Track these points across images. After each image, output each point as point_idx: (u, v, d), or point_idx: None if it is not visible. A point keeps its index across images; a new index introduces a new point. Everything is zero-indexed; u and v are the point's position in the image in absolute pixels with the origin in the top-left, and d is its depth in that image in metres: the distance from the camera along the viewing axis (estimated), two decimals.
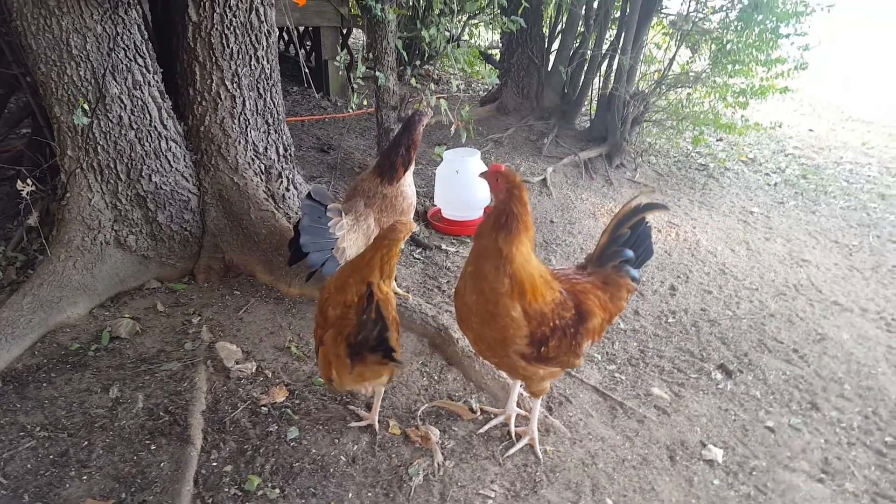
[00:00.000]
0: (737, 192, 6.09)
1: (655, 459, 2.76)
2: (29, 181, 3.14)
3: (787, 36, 5.61)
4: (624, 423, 2.95)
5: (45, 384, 2.82)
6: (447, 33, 4.30)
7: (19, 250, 3.59)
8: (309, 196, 2.81)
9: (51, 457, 2.46)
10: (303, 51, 7.79)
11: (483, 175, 2.38)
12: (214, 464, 2.48)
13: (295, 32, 7.97)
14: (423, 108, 3.23)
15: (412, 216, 3.31)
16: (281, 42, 8.16)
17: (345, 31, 7.39)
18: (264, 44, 3.47)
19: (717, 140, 7.46)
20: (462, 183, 4.27)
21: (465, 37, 9.34)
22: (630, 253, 2.56)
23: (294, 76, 7.35)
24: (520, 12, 4.46)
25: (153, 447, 2.53)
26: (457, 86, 5.57)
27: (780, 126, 6.37)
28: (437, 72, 8.90)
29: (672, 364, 3.43)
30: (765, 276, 4.50)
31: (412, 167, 3.22)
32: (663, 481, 2.65)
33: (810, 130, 8.64)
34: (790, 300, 4.20)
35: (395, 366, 2.40)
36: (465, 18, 8.28)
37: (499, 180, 2.28)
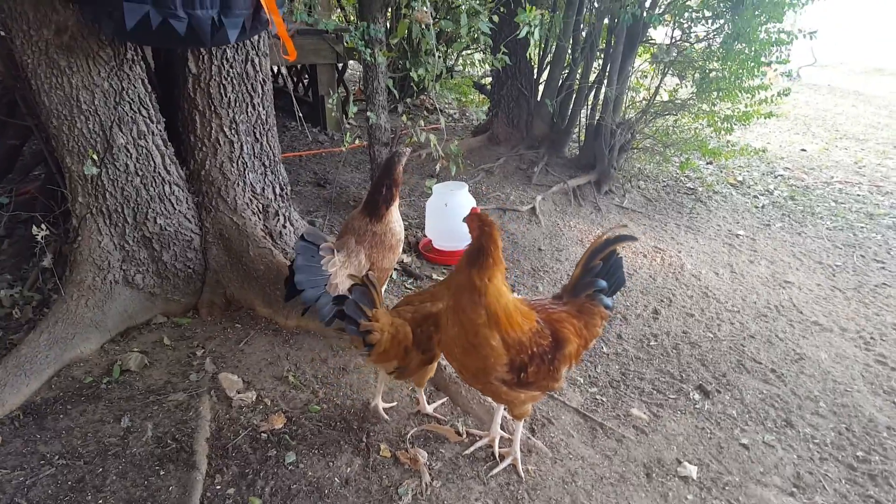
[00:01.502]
0: (724, 216, 6.25)
1: (632, 476, 2.89)
2: (43, 226, 3.36)
3: (769, 63, 5.83)
4: (603, 443, 3.10)
5: (61, 416, 3.01)
6: (439, 68, 4.53)
7: (35, 290, 3.80)
8: (303, 238, 3.02)
9: (69, 483, 2.64)
10: (300, 86, 8.09)
11: (465, 219, 2.56)
12: (218, 487, 2.66)
13: (290, 72, 8.30)
14: (401, 149, 3.44)
15: (400, 250, 3.52)
16: (280, 78, 8.44)
17: (340, 67, 7.68)
18: (259, 92, 3.71)
19: (707, 163, 7.63)
20: (451, 214, 4.47)
21: (459, 67, 9.68)
22: (603, 283, 2.73)
23: (293, 112, 7.62)
24: (500, 54, 4.69)
25: (162, 473, 2.71)
26: (449, 115, 5.77)
27: (764, 152, 6.55)
28: (431, 101, 9.18)
29: (652, 386, 3.57)
30: (747, 298, 4.64)
31: (396, 203, 3.43)
32: (639, 497, 2.78)
33: (802, 150, 8.76)
34: (771, 321, 4.33)
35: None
36: (459, 50, 8.59)
37: (474, 221, 2.48)
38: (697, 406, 3.43)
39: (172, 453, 2.81)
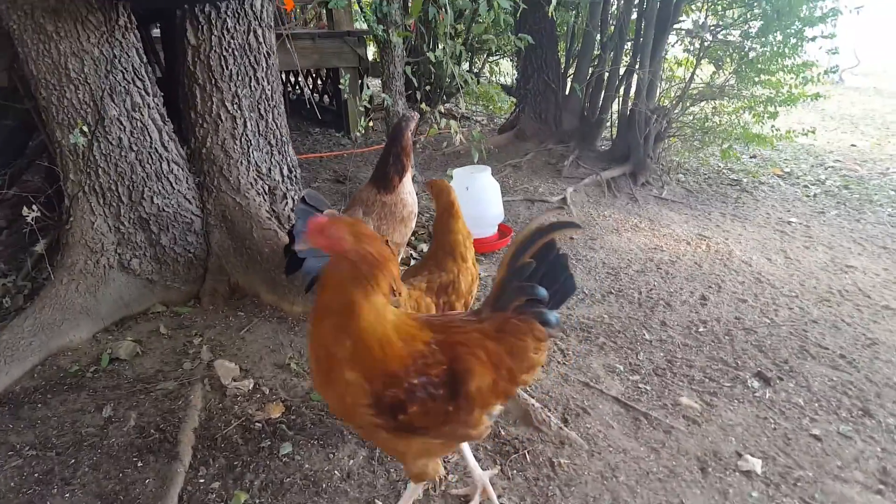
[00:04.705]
0: (772, 205, 5.81)
1: (684, 471, 2.51)
2: (34, 207, 3.14)
3: (814, 39, 5.43)
4: (649, 435, 2.71)
5: (40, 405, 2.75)
6: (462, 66, 4.26)
7: (29, 279, 3.58)
8: (303, 200, 2.69)
9: (35, 475, 2.38)
10: (326, 96, 7.93)
11: (310, 237, 1.70)
12: (202, 480, 2.35)
13: (314, 77, 8.19)
14: (409, 113, 3.14)
15: (413, 224, 3.19)
16: (298, 86, 8.34)
17: (363, 71, 7.50)
18: (263, 65, 3.47)
19: (751, 157, 7.21)
20: (474, 200, 4.14)
21: (486, 73, 9.44)
22: (540, 290, 1.86)
23: (313, 118, 7.44)
24: (524, 44, 4.39)
25: (140, 464, 2.42)
26: (476, 122, 5.47)
27: (813, 132, 6.07)
28: (458, 110, 8.91)
29: (703, 373, 3.17)
30: (805, 283, 4.21)
31: (409, 174, 3.11)
32: (693, 494, 2.40)
33: (853, 146, 8.29)
34: (835, 306, 3.90)
35: None
36: (484, 56, 8.32)
37: (333, 230, 1.67)
38: (757, 394, 3.01)
39: (154, 444, 2.52)
